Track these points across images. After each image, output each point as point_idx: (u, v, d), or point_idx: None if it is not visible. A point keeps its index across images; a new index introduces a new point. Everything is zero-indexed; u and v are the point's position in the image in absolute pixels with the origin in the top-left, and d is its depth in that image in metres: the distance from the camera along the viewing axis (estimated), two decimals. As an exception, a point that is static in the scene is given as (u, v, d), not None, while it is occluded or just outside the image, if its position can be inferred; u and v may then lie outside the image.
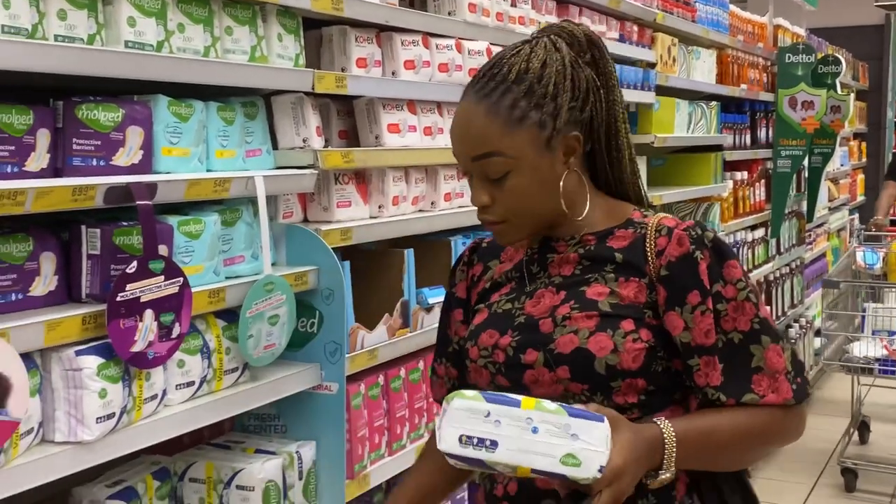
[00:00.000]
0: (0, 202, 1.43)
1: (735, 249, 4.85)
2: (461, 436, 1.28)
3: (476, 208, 1.47)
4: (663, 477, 1.35)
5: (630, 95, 3.64)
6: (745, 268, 1.47)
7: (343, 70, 2.32)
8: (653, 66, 4.01)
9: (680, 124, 4.20)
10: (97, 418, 1.58)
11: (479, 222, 1.50)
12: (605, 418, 1.28)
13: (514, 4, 2.93)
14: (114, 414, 1.62)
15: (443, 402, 1.33)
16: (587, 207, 1.49)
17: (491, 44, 2.76)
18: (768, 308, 5.35)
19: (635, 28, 3.87)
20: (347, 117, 2.49)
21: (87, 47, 1.63)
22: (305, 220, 2.31)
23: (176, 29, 1.81)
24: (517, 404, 1.27)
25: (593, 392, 1.41)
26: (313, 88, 2.12)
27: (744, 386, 1.40)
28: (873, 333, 4.74)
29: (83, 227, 1.65)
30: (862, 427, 5.29)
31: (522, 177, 1.43)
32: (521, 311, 1.50)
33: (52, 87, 1.70)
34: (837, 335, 4.76)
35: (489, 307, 1.55)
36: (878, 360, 4.61)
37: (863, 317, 4.85)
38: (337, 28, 2.32)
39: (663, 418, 1.37)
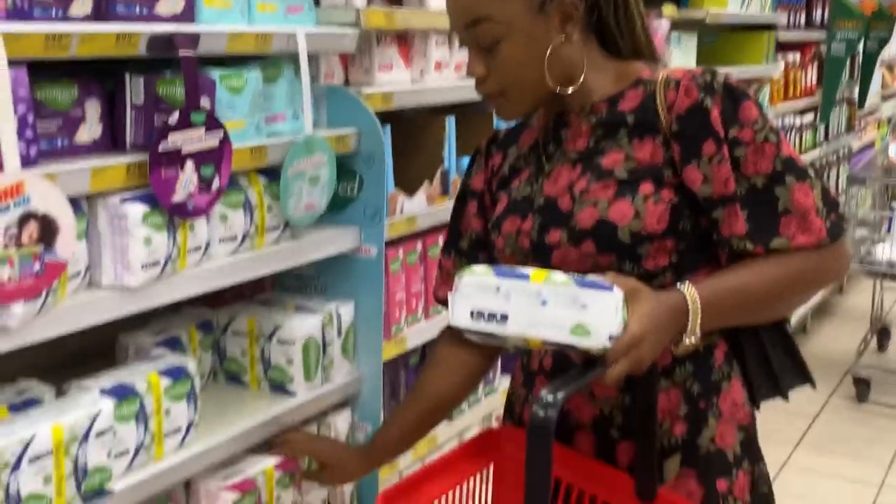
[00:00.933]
0: (45, 45, 1.43)
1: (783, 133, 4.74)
2: (472, 310, 1.29)
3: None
4: (688, 343, 1.33)
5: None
6: (762, 107, 1.40)
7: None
8: (708, -63, 3.85)
9: (733, 0, 4.06)
10: (142, 265, 1.62)
11: None
12: (616, 287, 1.25)
13: None
14: (159, 262, 1.65)
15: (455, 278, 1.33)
16: (593, 74, 1.43)
17: None
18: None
19: None
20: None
21: None
22: (346, 83, 2.29)
23: None
24: (526, 278, 1.27)
25: (622, 261, 1.38)
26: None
27: (771, 231, 1.35)
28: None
29: (127, 76, 1.65)
30: (882, 334, 5.13)
31: (515, 44, 1.37)
32: (539, 192, 1.47)
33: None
34: (861, 237, 4.58)
35: (509, 194, 1.53)
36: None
37: (890, 218, 4.67)
38: None
39: (687, 283, 1.33)
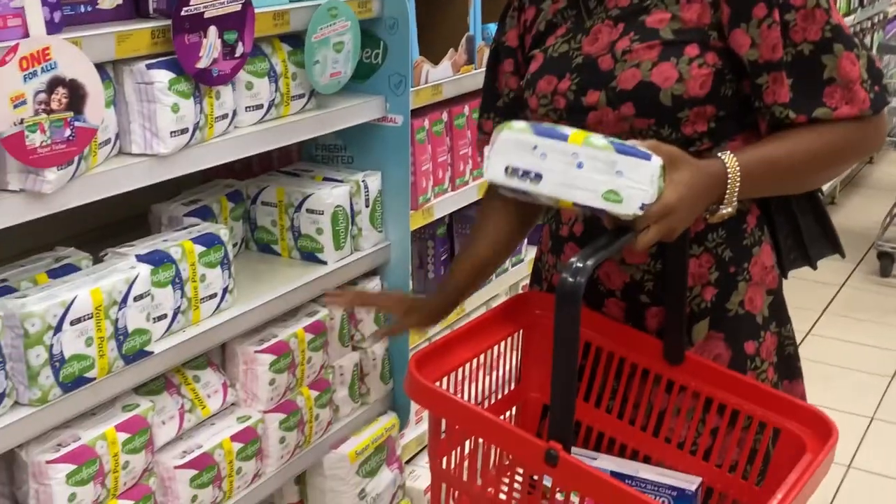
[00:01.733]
0: None
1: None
2: (507, 167, 1.28)
3: None
4: (723, 212, 1.33)
5: None
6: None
7: None
8: None
9: None
10: (171, 132, 1.63)
11: None
12: (655, 156, 1.23)
13: None
14: (187, 129, 1.66)
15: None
16: None
17: None
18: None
19: None
20: None
21: None
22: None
23: None
24: (565, 138, 1.25)
25: (660, 126, 1.37)
26: None
27: (815, 100, 1.34)
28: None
29: (146, -60, 1.62)
30: None
31: None
32: (578, 51, 1.44)
33: None
34: (891, 108, 4.47)
35: (544, 52, 1.49)
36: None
37: None
38: None
39: (728, 152, 1.33)
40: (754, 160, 1.34)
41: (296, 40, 1.93)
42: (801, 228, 1.53)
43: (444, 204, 2.46)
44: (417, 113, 2.33)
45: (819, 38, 1.34)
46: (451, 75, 2.40)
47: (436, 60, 2.37)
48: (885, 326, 4.09)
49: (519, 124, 1.28)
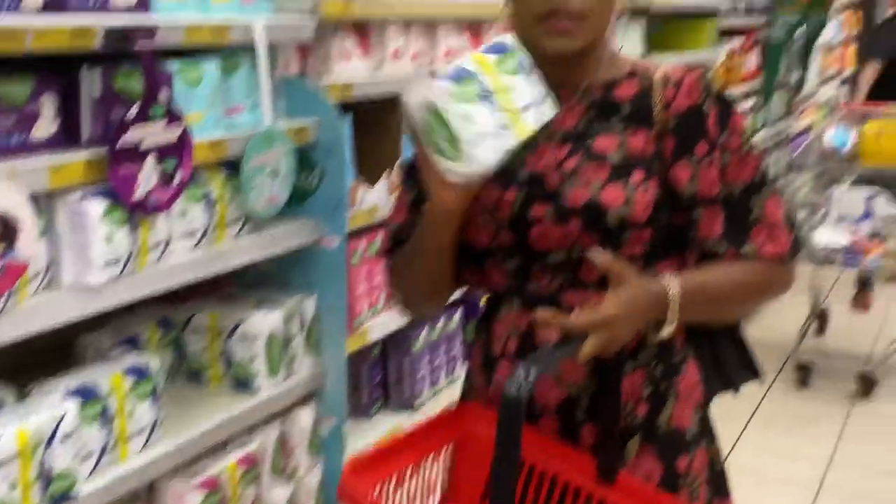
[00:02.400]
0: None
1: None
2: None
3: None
4: (667, 330, 1.37)
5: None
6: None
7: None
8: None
9: (678, -13, 4.10)
10: (104, 262, 1.58)
11: None
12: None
13: None
14: (119, 259, 1.61)
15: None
16: (599, 51, 1.46)
17: None
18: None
19: None
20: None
21: None
22: (303, 74, 2.26)
23: None
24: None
25: (603, 244, 1.40)
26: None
27: (743, 237, 1.42)
28: (838, 221, 4.57)
29: (83, 69, 1.60)
30: (822, 318, 5.10)
31: None
32: (521, 165, 1.46)
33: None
34: (799, 222, 4.59)
35: None
36: (841, 249, 4.44)
37: (827, 203, 4.62)
38: None
39: (668, 274, 1.38)
40: (692, 285, 1.39)
41: (232, 165, 1.91)
42: (722, 355, 1.58)
43: (380, 326, 2.43)
44: (353, 235, 2.32)
45: (749, 181, 1.43)
46: (386, 197, 2.40)
47: (372, 182, 2.37)
48: (807, 438, 4.15)
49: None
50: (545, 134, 1.47)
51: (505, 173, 1.47)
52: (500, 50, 1.33)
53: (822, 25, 6.15)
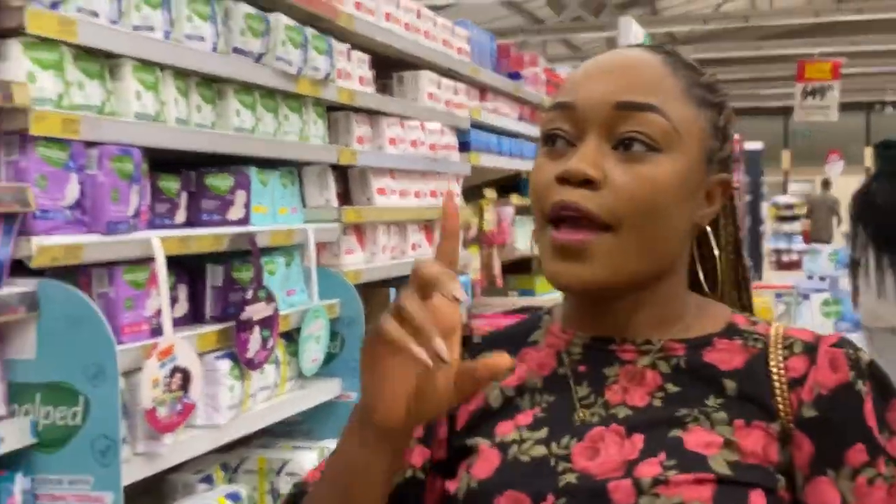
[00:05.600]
0: (167, 245, 1.96)
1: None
2: None
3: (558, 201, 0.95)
4: None
5: (529, 167, 4.39)
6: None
7: (346, 145, 2.93)
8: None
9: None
10: (228, 406, 2.11)
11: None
12: None
13: (456, 93, 3.64)
14: (236, 405, 2.15)
15: None
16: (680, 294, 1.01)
17: (442, 125, 3.44)
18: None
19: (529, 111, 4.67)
20: (337, 183, 3.10)
21: (210, 131, 2.20)
22: (319, 265, 2.89)
23: (256, 118, 2.39)
24: None
25: None
26: (338, 160, 2.74)
27: None
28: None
29: (208, 266, 2.19)
30: None
31: (674, 166, 0.94)
32: (566, 461, 0.95)
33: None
34: None
35: (500, 447, 0.98)
36: None
37: None
38: (342, 113, 2.94)
39: None
40: None
41: (285, 334, 2.49)
42: None
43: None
44: (358, 391, 2.87)
45: None
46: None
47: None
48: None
49: None
50: (596, 412, 0.98)
51: (535, 469, 0.96)
52: None
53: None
